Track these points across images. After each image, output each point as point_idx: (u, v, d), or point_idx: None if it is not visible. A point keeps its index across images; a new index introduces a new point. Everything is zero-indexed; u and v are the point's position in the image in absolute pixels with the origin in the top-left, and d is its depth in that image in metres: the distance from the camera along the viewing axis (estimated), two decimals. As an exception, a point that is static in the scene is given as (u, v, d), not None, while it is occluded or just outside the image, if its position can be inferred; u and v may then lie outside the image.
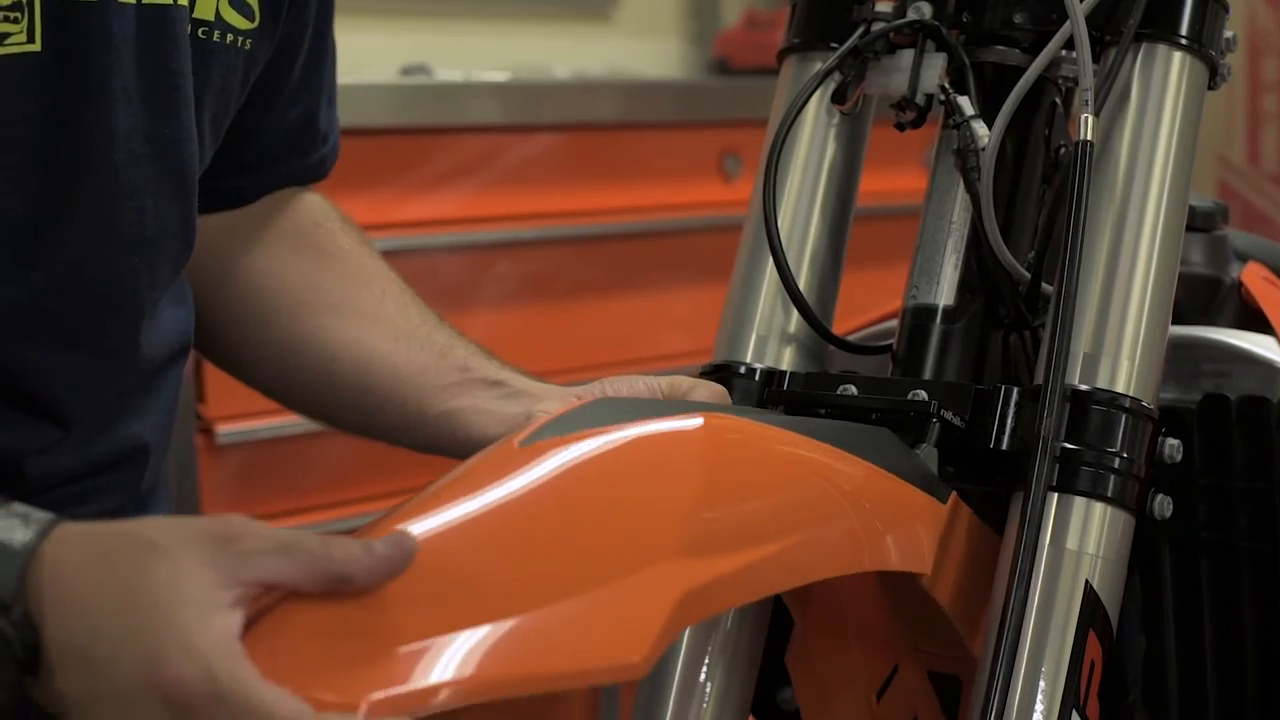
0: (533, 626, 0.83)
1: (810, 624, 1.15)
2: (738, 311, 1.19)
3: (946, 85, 1.15)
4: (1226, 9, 1.13)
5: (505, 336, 2.40)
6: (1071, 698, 1.02)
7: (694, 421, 0.94)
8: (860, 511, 0.98)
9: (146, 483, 1.20)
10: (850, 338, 1.22)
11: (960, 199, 1.15)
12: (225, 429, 2.14)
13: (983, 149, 1.12)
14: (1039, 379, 1.05)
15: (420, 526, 0.86)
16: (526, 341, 2.44)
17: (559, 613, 0.84)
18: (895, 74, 1.16)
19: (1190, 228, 1.14)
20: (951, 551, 1.05)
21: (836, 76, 1.19)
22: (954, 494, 1.05)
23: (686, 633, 1.09)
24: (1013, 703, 1.01)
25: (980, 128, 1.12)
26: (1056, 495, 1.04)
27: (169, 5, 1.09)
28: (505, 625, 0.83)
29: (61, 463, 1.12)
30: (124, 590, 0.82)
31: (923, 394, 1.08)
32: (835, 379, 1.12)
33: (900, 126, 1.18)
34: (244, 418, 2.13)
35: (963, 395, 1.08)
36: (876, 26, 1.17)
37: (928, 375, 1.13)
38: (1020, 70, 1.13)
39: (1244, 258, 1.42)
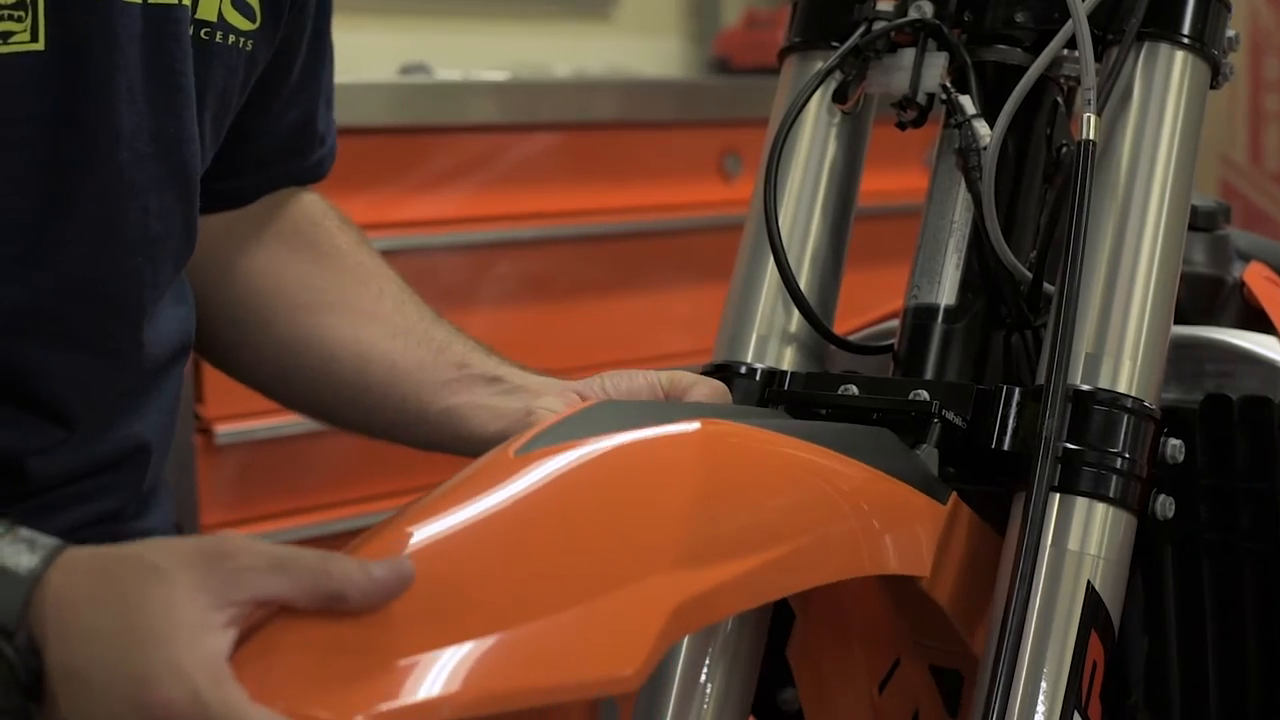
0: (526, 640, 0.83)
1: (811, 619, 1.14)
2: (738, 311, 1.19)
3: (948, 84, 1.14)
4: (1228, 8, 1.13)
5: (505, 336, 2.39)
6: (1073, 699, 1.01)
7: (689, 428, 0.94)
8: (859, 515, 0.98)
9: (148, 482, 1.20)
10: (851, 338, 1.22)
11: (962, 198, 1.15)
12: (224, 429, 2.14)
13: (984, 148, 1.11)
14: (1041, 379, 1.05)
15: (415, 539, 0.86)
16: (526, 341, 2.44)
17: (553, 626, 0.84)
18: (896, 73, 1.16)
19: (1192, 227, 1.14)
20: (951, 553, 1.05)
21: (837, 75, 1.18)
22: (954, 495, 1.05)
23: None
24: (1014, 704, 1.00)
25: (982, 127, 1.12)
26: (1058, 496, 1.04)
27: (174, 5, 1.09)
28: (498, 640, 0.83)
29: (64, 462, 1.12)
30: (121, 614, 0.83)
31: (924, 394, 1.08)
32: (836, 379, 1.12)
33: (901, 126, 1.18)
34: (242, 418, 2.13)
35: (964, 395, 1.08)
36: (878, 25, 1.17)
37: (929, 375, 1.13)
38: (1022, 69, 1.13)
39: (1246, 257, 1.42)
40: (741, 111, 2.70)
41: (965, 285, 1.14)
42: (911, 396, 1.08)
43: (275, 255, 1.29)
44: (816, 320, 1.16)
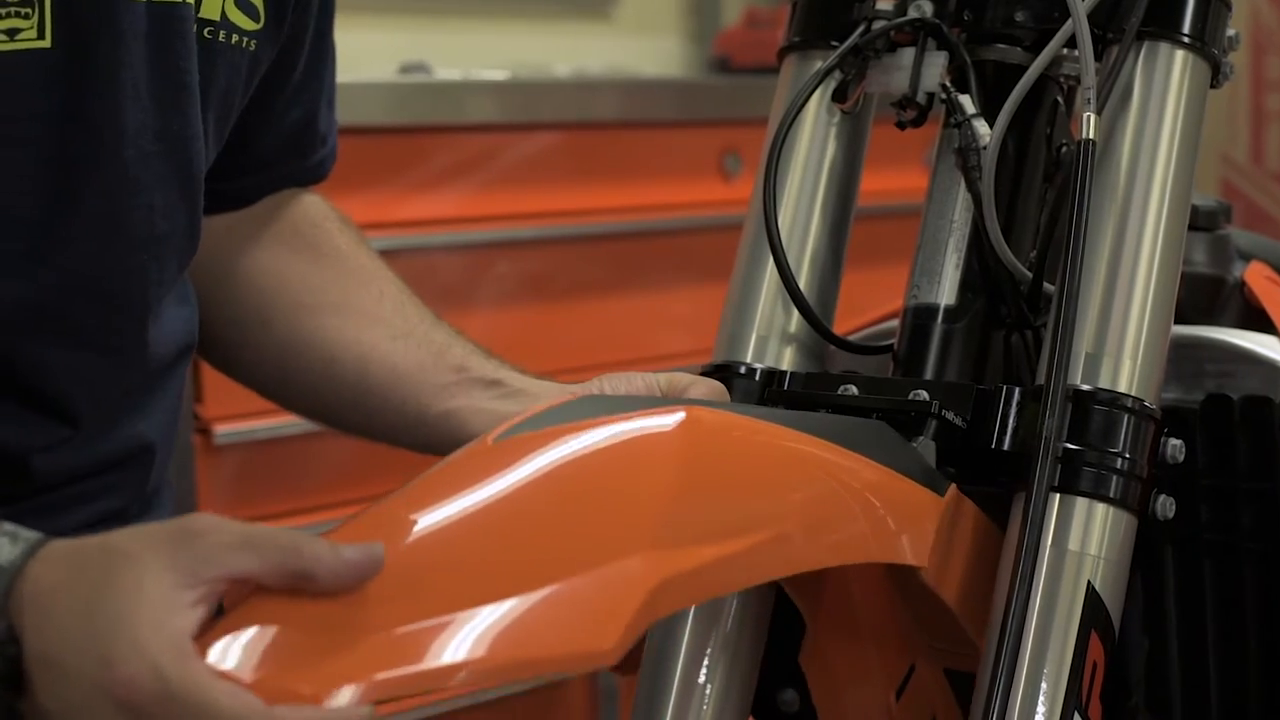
0: (503, 617, 0.83)
1: (822, 625, 1.14)
2: (738, 311, 1.18)
3: (948, 84, 1.14)
4: (1229, 7, 1.13)
5: (504, 336, 2.39)
6: (1074, 700, 1.01)
7: (674, 415, 0.94)
8: (851, 501, 0.98)
9: (152, 482, 1.20)
10: (851, 338, 1.22)
11: (961, 198, 1.15)
12: (223, 429, 2.14)
13: (984, 148, 1.11)
14: (1041, 379, 1.05)
15: (392, 522, 0.87)
16: (526, 341, 2.44)
17: (530, 603, 0.84)
18: (896, 72, 1.16)
19: (1193, 227, 1.14)
20: (953, 545, 1.04)
21: (837, 75, 1.18)
22: (953, 486, 1.05)
23: (687, 633, 1.08)
24: (1014, 705, 1.00)
25: (982, 126, 1.12)
26: (1058, 496, 1.04)
27: (178, 3, 1.09)
28: (475, 616, 0.83)
29: (68, 461, 1.13)
30: (91, 599, 0.83)
31: (924, 394, 1.07)
32: (836, 379, 1.12)
33: (901, 125, 1.17)
34: (242, 418, 2.13)
35: (964, 395, 1.08)
36: (877, 25, 1.16)
37: (929, 375, 1.13)
38: (1021, 69, 1.13)
39: (1247, 257, 1.42)
40: (742, 111, 2.70)
41: (965, 285, 1.14)
42: (911, 396, 1.08)
43: (276, 256, 1.29)
44: (816, 320, 1.16)
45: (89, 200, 1.07)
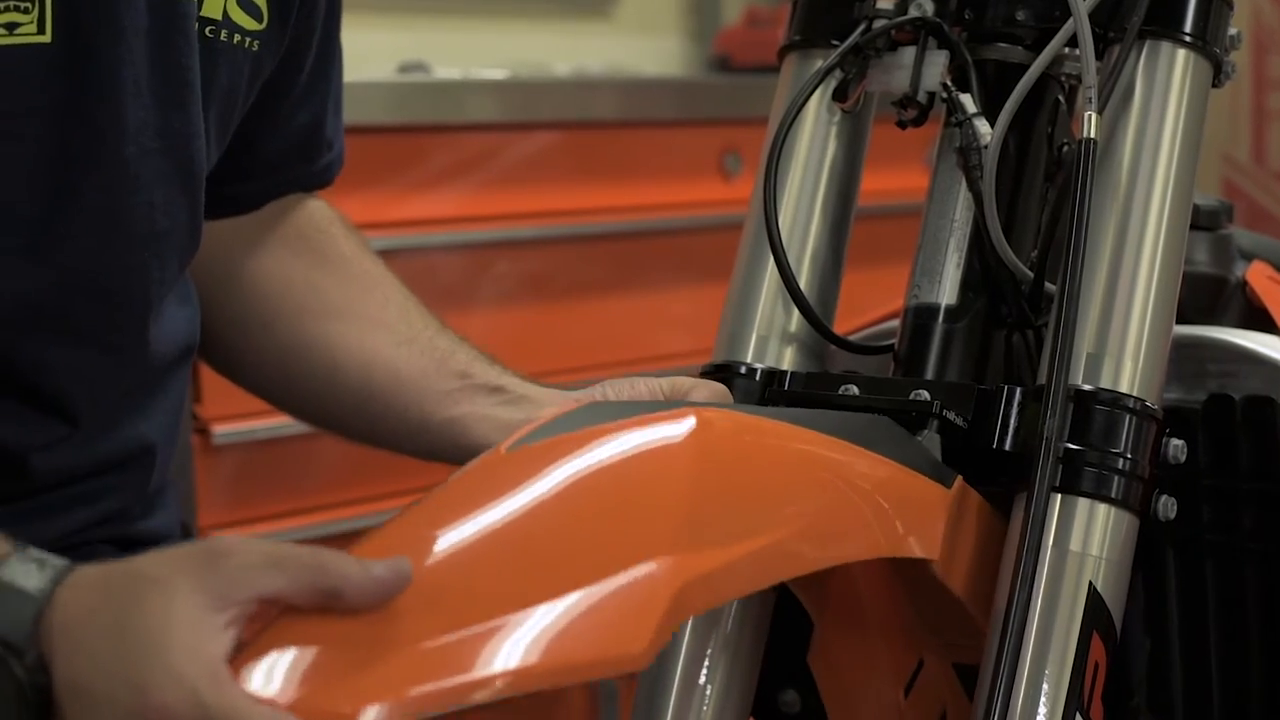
0: (531, 625, 0.83)
1: (830, 623, 1.14)
2: (738, 311, 1.18)
3: (948, 83, 1.14)
4: (1231, 6, 1.13)
5: (504, 336, 2.39)
6: (1075, 700, 1.01)
7: (685, 417, 0.94)
8: (862, 497, 0.98)
9: (154, 483, 1.19)
10: (851, 338, 1.22)
11: (962, 197, 1.14)
12: (222, 429, 2.14)
13: (985, 147, 1.11)
14: (1042, 379, 1.05)
15: (414, 536, 0.86)
16: (525, 341, 2.44)
17: (557, 610, 0.84)
18: (897, 71, 1.16)
19: (1194, 226, 1.14)
20: (961, 536, 1.04)
21: (838, 74, 1.18)
22: (959, 479, 1.05)
23: (687, 633, 1.08)
24: (1015, 706, 1.00)
25: (983, 125, 1.12)
26: (1060, 496, 1.04)
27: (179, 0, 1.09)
28: (504, 625, 0.83)
29: (68, 460, 1.12)
30: (122, 625, 0.83)
31: (925, 394, 1.07)
32: (837, 379, 1.12)
33: (902, 124, 1.17)
34: (241, 418, 2.13)
35: (966, 395, 1.07)
36: (878, 23, 1.16)
37: (930, 375, 1.13)
38: (1022, 68, 1.12)
39: (1249, 256, 1.42)
40: (742, 110, 2.69)
41: (966, 285, 1.14)
42: (913, 396, 1.08)
43: (281, 260, 1.28)
44: (816, 320, 1.16)
45: (89, 197, 1.07)
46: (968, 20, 1.16)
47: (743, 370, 1.16)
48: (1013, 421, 1.06)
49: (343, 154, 1.32)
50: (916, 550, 1.01)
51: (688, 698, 1.07)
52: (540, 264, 2.52)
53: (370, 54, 2.61)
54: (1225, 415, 1.16)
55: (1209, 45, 1.11)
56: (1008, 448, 1.06)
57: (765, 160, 1.17)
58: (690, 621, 1.08)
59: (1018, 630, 0.98)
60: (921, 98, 1.15)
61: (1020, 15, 1.15)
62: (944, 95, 1.14)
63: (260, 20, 1.16)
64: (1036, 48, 1.14)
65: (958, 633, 1.10)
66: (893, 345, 1.16)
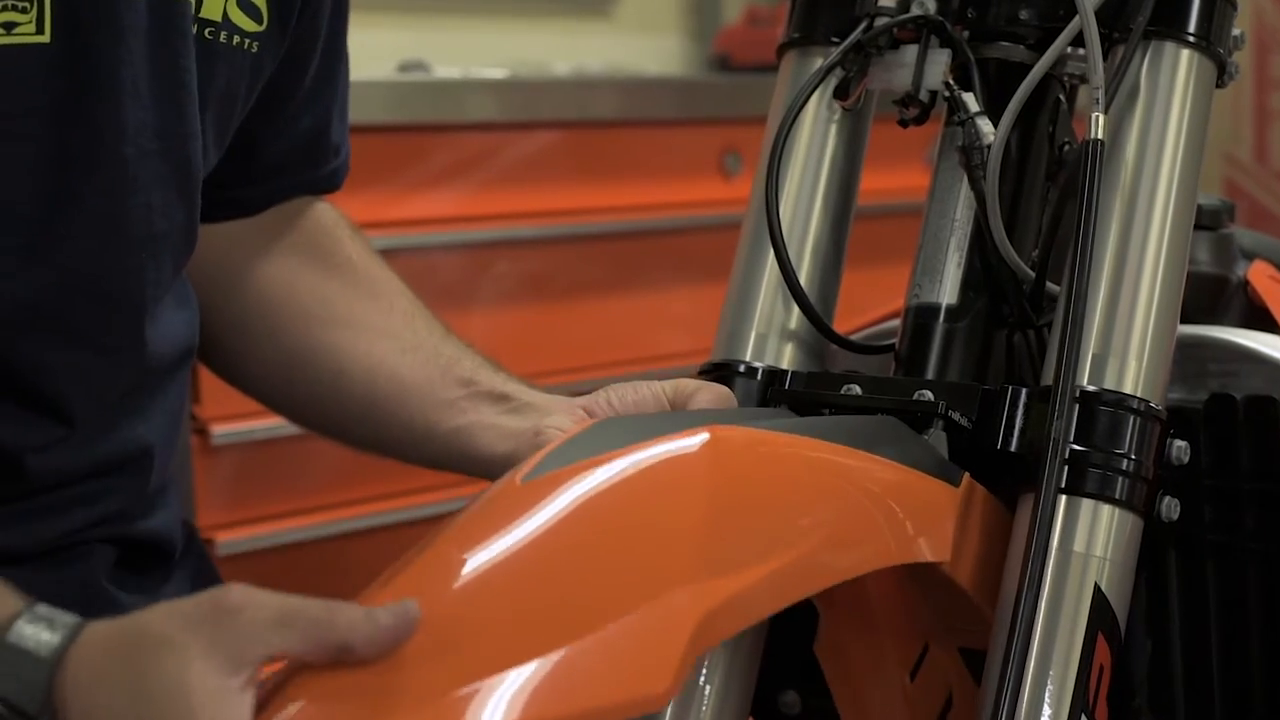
0: (550, 669, 0.82)
1: (836, 614, 1.14)
2: (737, 309, 1.18)
3: (950, 81, 1.13)
4: (1235, 6, 1.13)
5: (504, 336, 2.39)
6: (1080, 702, 1.01)
7: (697, 437, 0.93)
8: (877, 506, 0.98)
9: (153, 485, 1.19)
10: (852, 337, 1.21)
11: (964, 197, 1.14)
12: (220, 430, 2.13)
13: (987, 146, 1.11)
14: (1045, 379, 1.04)
15: (427, 576, 0.86)
16: (525, 341, 2.43)
17: (576, 652, 0.83)
18: (898, 70, 1.15)
19: (1196, 226, 1.13)
20: (969, 534, 1.04)
21: (838, 72, 1.17)
22: (966, 475, 1.04)
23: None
24: (1021, 707, 1.00)
25: (985, 125, 1.11)
26: (1064, 498, 1.03)
27: (177, 0, 1.09)
28: (523, 671, 0.82)
29: (65, 462, 1.12)
30: (139, 688, 0.82)
31: (929, 394, 1.07)
32: (839, 379, 1.11)
33: (903, 123, 1.17)
34: (239, 418, 2.12)
35: (970, 396, 1.07)
36: (879, 21, 1.16)
37: (931, 375, 1.12)
38: (1025, 66, 1.12)
39: (1250, 256, 1.41)
40: (742, 110, 2.69)
41: (967, 284, 1.14)
42: (916, 397, 1.07)
43: (286, 265, 1.28)
44: (817, 318, 1.15)
45: (88, 198, 1.07)
46: (970, 19, 1.16)
47: (742, 369, 1.15)
48: (1018, 422, 1.06)
49: (349, 159, 1.32)
50: (928, 554, 1.01)
51: (687, 698, 1.06)
52: (540, 264, 2.52)
53: (369, 53, 2.60)
54: (1227, 415, 1.16)
55: (1213, 45, 1.10)
56: (1013, 449, 1.06)
57: (766, 158, 1.16)
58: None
59: (1024, 632, 0.98)
60: (923, 96, 1.14)
61: (1023, 14, 1.15)
62: (946, 94, 1.13)
63: (260, 22, 1.15)
64: (1039, 47, 1.13)
65: (963, 619, 1.10)
66: (893, 345, 1.16)
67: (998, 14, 1.15)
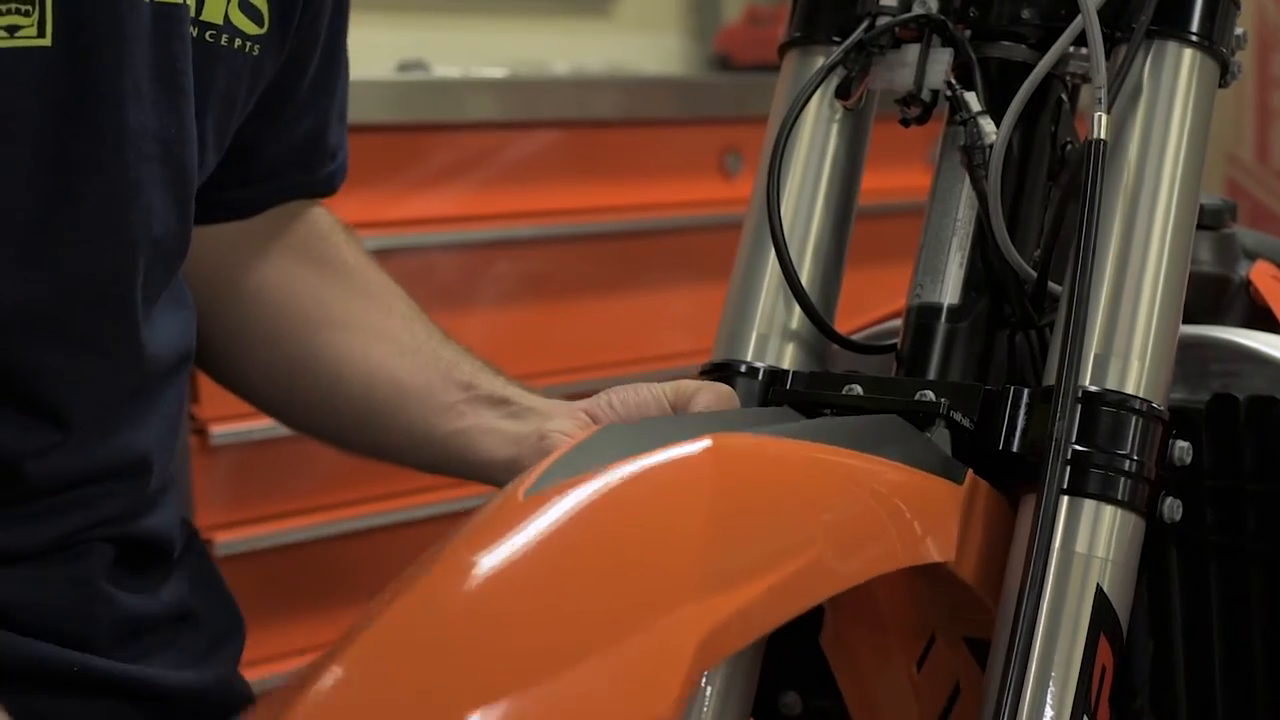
0: (552, 693, 0.82)
1: (841, 608, 1.14)
2: (738, 308, 1.17)
3: (952, 81, 1.13)
4: (1238, 5, 1.12)
5: (503, 336, 2.38)
6: (1082, 704, 1.00)
7: (698, 446, 0.92)
8: (884, 509, 0.97)
9: (153, 487, 1.18)
10: (853, 337, 1.21)
11: (965, 196, 1.14)
12: (219, 430, 2.13)
13: (990, 146, 1.10)
14: (1047, 379, 1.04)
15: (426, 600, 0.85)
16: (525, 341, 2.43)
17: (578, 676, 0.82)
18: (900, 69, 1.15)
19: (1198, 226, 1.13)
20: (973, 530, 1.04)
21: (840, 71, 1.17)
22: (969, 471, 1.04)
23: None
24: (1023, 708, 0.99)
25: (987, 124, 1.11)
26: (1067, 498, 1.03)
27: (178, 4, 1.08)
28: (523, 696, 0.81)
29: (61, 465, 1.11)
30: None
31: (930, 394, 1.07)
32: (840, 379, 1.11)
33: (905, 122, 1.17)
34: (238, 419, 2.12)
35: (971, 396, 1.07)
36: (881, 21, 1.16)
37: (932, 375, 1.12)
38: (1027, 66, 1.12)
39: (1252, 256, 1.41)
40: (743, 109, 2.69)
41: (969, 284, 1.14)
42: (918, 397, 1.07)
43: (284, 269, 1.27)
44: (819, 317, 1.15)
45: (89, 201, 1.07)
46: (972, 18, 1.16)
47: (743, 369, 1.15)
48: (1020, 423, 1.05)
49: (347, 163, 1.31)
50: (934, 554, 1.00)
51: (688, 699, 1.06)
52: (540, 263, 2.52)
53: (369, 52, 2.60)
54: (1229, 416, 1.15)
55: (1216, 45, 1.10)
56: (1015, 449, 1.05)
57: (767, 157, 1.16)
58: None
59: (1026, 633, 0.98)
60: (925, 96, 1.14)
61: (1025, 14, 1.15)
62: (948, 93, 1.13)
63: (261, 24, 1.15)
64: (1041, 46, 1.13)
65: (969, 611, 1.10)
66: (895, 345, 1.16)
67: (1000, 13, 1.15)
